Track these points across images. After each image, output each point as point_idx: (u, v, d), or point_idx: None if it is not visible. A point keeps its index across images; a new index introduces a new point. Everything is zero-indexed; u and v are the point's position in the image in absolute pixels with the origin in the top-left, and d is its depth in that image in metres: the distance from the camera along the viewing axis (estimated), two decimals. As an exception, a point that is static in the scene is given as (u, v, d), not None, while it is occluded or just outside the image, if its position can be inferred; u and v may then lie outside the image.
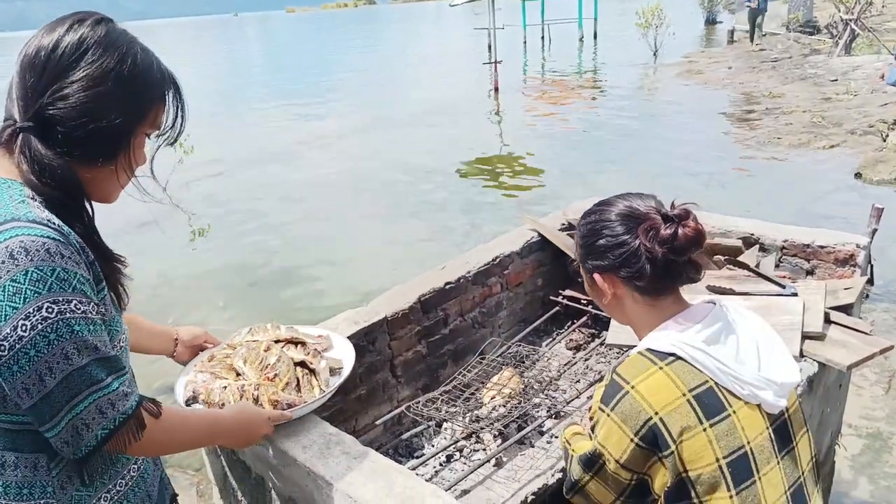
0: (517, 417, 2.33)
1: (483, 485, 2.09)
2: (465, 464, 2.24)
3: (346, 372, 1.87)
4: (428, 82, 20.86)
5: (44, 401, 1.04)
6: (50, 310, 1.02)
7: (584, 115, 13.56)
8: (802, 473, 1.33)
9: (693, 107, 13.19)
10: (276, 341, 1.95)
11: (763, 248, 2.88)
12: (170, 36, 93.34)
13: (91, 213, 1.20)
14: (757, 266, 2.70)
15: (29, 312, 1.01)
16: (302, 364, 1.87)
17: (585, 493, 1.39)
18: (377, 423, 2.37)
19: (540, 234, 3.07)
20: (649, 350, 1.31)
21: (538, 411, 2.39)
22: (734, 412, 1.26)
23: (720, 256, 2.81)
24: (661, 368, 1.27)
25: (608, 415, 1.29)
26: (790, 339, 2.18)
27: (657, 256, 1.28)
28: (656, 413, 1.24)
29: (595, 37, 29.10)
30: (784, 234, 2.85)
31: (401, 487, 1.51)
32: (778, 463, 1.29)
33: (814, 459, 1.38)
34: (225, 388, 1.74)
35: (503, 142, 12.04)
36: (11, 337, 1.01)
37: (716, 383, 1.26)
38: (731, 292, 2.50)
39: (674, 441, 1.23)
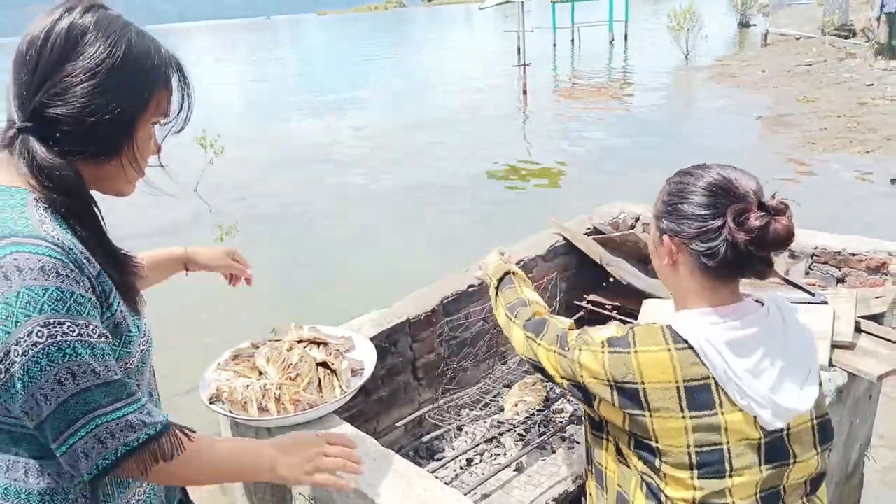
0: (539, 422, 2.32)
1: (503, 489, 2.08)
2: (485, 468, 2.24)
3: (368, 373, 1.88)
4: (457, 85, 20.87)
5: (43, 424, 1.01)
6: (40, 334, 0.97)
7: (614, 118, 13.46)
8: (784, 486, 1.28)
9: (725, 110, 13.01)
10: (299, 341, 1.97)
11: (793, 255, 2.83)
12: (208, 39, 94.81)
13: (99, 214, 1.14)
14: (786, 273, 2.66)
15: (20, 337, 0.97)
16: (324, 364, 1.89)
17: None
18: (398, 424, 2.38)
19: (565, 239, 3.05)
20: (670, 327, 1.29)
21: (560, 416, 2.38)
22: (723, 413, 1.23)
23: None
24: (669, 350, 1.26)
25: (602, 351, 1.31)
26: (819, 348, 2.14)
27: (738, 243, 1.20)
28: (642, 383, 1.25)
29: (626, 39, 28.87)
30: (815, 240, 2.80)
31: (419, 490, 1.51)
32: (760, 473, 1.25)
33: (811, 478, 1.32)
34: (247, 386, 1.77)
35: (530, 144, 12.00)
36: (6, 361, 0.98)
37: (716, 383, 1.23)
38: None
39: (649, 411, 1.25)
